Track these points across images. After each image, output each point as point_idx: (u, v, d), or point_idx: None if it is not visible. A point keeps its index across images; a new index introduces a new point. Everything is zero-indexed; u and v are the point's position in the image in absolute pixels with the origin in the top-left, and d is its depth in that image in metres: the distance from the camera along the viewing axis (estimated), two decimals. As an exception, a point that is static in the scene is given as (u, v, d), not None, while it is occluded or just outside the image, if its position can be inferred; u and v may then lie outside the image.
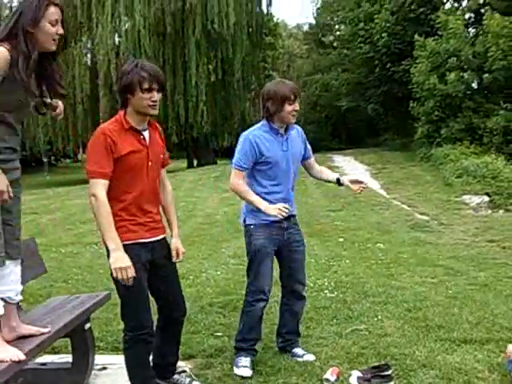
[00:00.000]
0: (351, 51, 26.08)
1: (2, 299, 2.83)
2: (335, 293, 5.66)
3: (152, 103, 3.04)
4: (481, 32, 18.91)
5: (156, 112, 3.11)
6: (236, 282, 6.14)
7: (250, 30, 26.58)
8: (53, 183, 24.67)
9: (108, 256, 2.98)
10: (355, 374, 3.54)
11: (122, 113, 3.11)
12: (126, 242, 2.99)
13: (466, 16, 21.48)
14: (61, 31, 2.83)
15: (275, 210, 3.57)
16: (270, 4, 28.82)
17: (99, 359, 3.89)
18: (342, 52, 28.81)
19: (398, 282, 6.09)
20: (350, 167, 19.31)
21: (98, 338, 4.26)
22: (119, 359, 3.91)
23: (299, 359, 3.88)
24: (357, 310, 5.04)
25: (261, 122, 3.89)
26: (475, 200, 12.80)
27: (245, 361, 3.76)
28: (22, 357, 2.73)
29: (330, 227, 10.21)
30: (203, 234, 9.91)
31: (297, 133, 4.00)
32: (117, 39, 24.95)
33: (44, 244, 8.40)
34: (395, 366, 3.67)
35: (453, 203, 12.51)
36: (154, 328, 3.26)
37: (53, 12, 2.79)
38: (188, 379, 3.48)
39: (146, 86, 3.00)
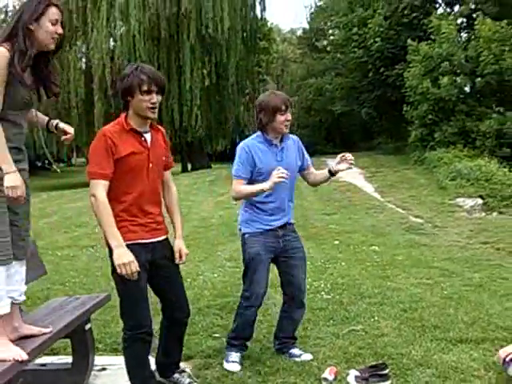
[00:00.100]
0: (345, 56, 26.20)
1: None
2: (331, 294, 5.70)
3: (151, 105, 3.09)
4: (473, 37, 19.09)
5: (155, 115, 3.16)
6: (232, 284, 6.18)
7: (245, 34, 26.64)
8: (47, 187, 24.62)
9: (110, 255, 3.03)
10: (353, 373, 3.58)
11: (123, 115, 3.16)
12: (125, 243, 3.03)
13: (459, 21, 21.65)
14: (60, 31, 2.90)
15: (274, 179, 3.62)
16: (264, 9, 28.88)
17: (98, 360, 3.92)
18: (335, 56, 28.93)
19: (394, 283, 6.15)
20: (345, 171, 19.34)
21: (96, 339, 4.27)
22: (118, 360, 3.96)
23: (297, 359, 3.93)
24: (353, 311, 5.09)
25: (256, 133, 3.97)
26: (469, 203, 12.89)
27: (235, 356, 3.91)
28: (25, 356, 2.76)
29: (325, 230, 10.25)
30: (199, 237, 9.93)
31: (293, 142, 4.05)
32: (112, 44, 24.97)
33: (40, 247, 8.34)
34: (392, 365, 3.72)
35: (447, 206, 12.60)
36: (159, 327, 3.31)
37: (53, 12, 2.87)
38: (188, 379, 3.51)
39: (145, 88, 3.06)
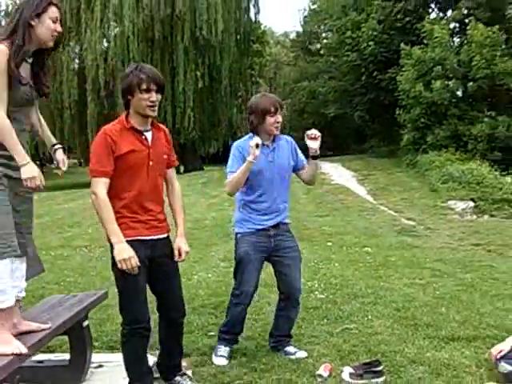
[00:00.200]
0: (338, 59, 26.33)
1: None
2: (325, 294, 5.76)
3: (150, 103, 3.14)
4: (465, 41, 19.26)
5: (154, 114, 3.20)
6: (227, 284, 6.20)
7: (238, 37, 26.73)
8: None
9: (111, 251, 3.08)
10: (347, 369, 3.63)
11: (124, 114, 3.22)
12: (125, 239, 3.07)
13: (451, 26, 21.84)
14: (60, 29, 2.97)
15: (251, 150, 3.73)
16: (258, 12, 28.89)
17: (95, 357, 3.93)
18: (328, 60, 29.06)
19: (387, 283, 6.21)
20: (337, 173, 19.47)
21: (93, 337, 4.31)
22: (115, 357, 4.02)
23: (292, 357, 3.98)
24: (347, 310, 5.14)
25: (248, 135, 4.03)
26: (460, 205, 13.02)
27: (224, 350, 4.02)
28: (24, 350, 2.79)
29: (317, 232, 10.31)
30: (193, 238, 9.94)
31: (286, 143, 4.11)
32: (105, 44, 24.95)
33: (34, 247, 8.41)
34: (386, 362, 3.77)
35: (439, 208, 12.71)
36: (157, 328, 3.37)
37: (54, 10, 2.94)
38: (190, 382, 3.53)
39: (144, 86, 3.12)
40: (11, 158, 2.84)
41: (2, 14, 27.16)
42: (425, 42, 19.64)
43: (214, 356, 4.00)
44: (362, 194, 15.53)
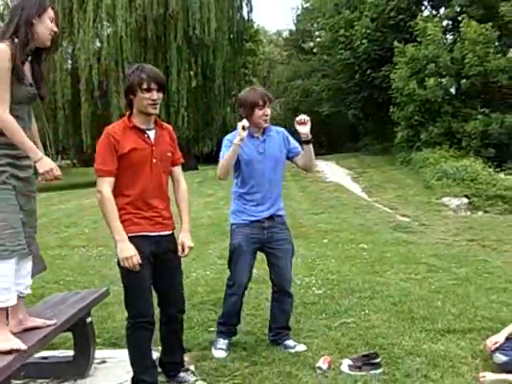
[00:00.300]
0: (331, 57, 26.31)
1: None
2: (323, 289, 5.83)
3: (151, 102, 3.23)
4: (458, 39, 19.33)
5: (156, 111, 3.30)
6: (224, 281, 6.11)
7: (231, 36, 26.76)
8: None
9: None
10: (346, 362, 3.71)
11: (127, 113, 3.32)
12: (129, 234, 3.17)
13: (444, 23, 21.90)
14: (56, 29, 3.05)
15: (239, 131, 3.83)
16: (251, 11, 28.90)
17: (98, 354, 3.99)
18: (322, 58, 29.01)
19: (383, 278, 6.29)
20: (332, 171, 19.54)
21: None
22: (117, 353, 4.10)
23: (291, 350, 4.06)
24: (344, 304, 5.22)
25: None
26: (455, 202, 13.12)
27: (222, 343, 4.12)
28: (24, 347, 2.81)
29: (313, 229, 10.37)
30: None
31: (277, 134, 4.19)
32: (98, 44, 24.90)
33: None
34: (384, 354, 3.85)
35: (433, 205, 12.80)
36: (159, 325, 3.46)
37: (51, 12, 3.02)
38: (193, 377, 3.60)
39: (145, 86, 3.21)
40: (17, 158, 2.89)
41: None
42: (418, 39, 19.70)
43: (213, 349, 4.10)
44: (356, 192, 15.61)
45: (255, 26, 37.29)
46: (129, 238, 3.16)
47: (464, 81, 18.36)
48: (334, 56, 25.17)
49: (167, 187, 3.43)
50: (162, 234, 3.35)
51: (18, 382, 3.44)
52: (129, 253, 3.11)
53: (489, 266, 6.91)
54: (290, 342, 4.15)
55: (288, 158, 4.24)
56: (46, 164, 2.87)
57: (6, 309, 2.90)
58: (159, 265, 3.34)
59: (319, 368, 3.67)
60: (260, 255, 4.26)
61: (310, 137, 4.08)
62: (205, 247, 8.83)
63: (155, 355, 3.60)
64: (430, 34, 18.99)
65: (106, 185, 3.17)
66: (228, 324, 4.21)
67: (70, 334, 3.84)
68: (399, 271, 6.65)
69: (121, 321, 4.81)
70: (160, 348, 3.68)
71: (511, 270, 6.69)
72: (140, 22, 23.84)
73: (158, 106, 3.28)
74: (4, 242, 2.78)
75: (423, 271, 6.63)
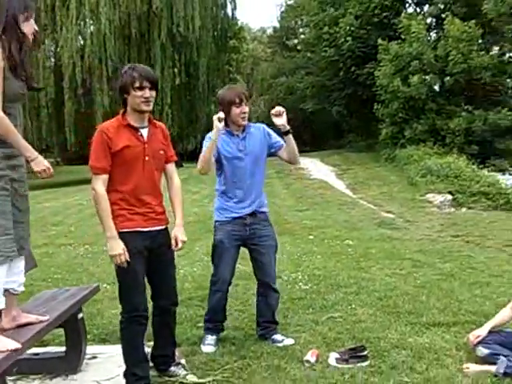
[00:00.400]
0: (316, 54, 26.45)
1: (6, 290, 2.97)
2: (309, 285, 5.91)
3: (144, 99, 3.30)
4: (442, 36, 19.51)
5: (149, 108, 3.36)
6: (211, 277, 6.32)
7: (215, 33, 26.80)
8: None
9: None
10: (333, 355, 3.78)
11: (121, 112, 3.38)
12: (124, 230, 3.25)
13: (428, 20, 22.13)
14: (36, 28, 3.08)
15: (215, 125, 3.89)
16: (235, 8, 28.90)
17: (88, 349, 4.02)
18: (306, 55, 29.19)
19: (369, 274, 6.38)
20: (316, 169, 19.64)
21: (84, 330, 4.42)
22: (107, 349, 4.15)
23: (279, 344, 4.12)
24: (331, 299, 5.29)
25: None
26: (439, 198, 13.28)
27: (210, 339, 4.19)
28: (18, 345, 2.84)
29: (298, 226, 10.46)
30: (176, 233, 10.04)
31: (257, 130, 4.24)
32: (81, 42, 24.76)
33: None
34: (370, 347, 3.92)
35: (417, 202, 12.94)
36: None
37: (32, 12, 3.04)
38: (184, 371, 3.66)
39: (137, 84, 3.28)
40: (9, 157, 2.90)
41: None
42: (402, 37, 19.87)
43: (202, 345, 4.15)
44: (341, 189, 15.72)
45: (239, 23, 37.31)
46: (123, 233, 3.24)
47: (448, 78, 18.58)
48: (318, 53, 25.30)
49: (160, 184, 3.49)
50: (155, 229, 3.41)
51: (10, 377, 3.48)
52: (117, 250, 3.20)
53: (472, 261, 7.03)
54: (277, 337, 4.21)
55: (272, 154, 4.29)
56: (42, 163, 2.92)
57: None
58: (153, 259, 3.41)
59: (307, 361, 3.73)
60: (245, 251, 4.32)
61: (287, 127, 4.14)
62: (192, 244, 8.85)
63: (147, 350, 3.64)
64: (413, 32, 19.16)
65: (100, 182, 3.25)
66: (214, 320, 4.27)
67: (60, 331, 3.89)
68: (384, 267, 6.75)
69: (110, 317, 4.87)
70: (152, 343, 3.72)
71: (494, 265, 6.82)
72: (124, 20, 23.73)
73: (152, 104, 3.34)
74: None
75: (408, 267, 6.73)
